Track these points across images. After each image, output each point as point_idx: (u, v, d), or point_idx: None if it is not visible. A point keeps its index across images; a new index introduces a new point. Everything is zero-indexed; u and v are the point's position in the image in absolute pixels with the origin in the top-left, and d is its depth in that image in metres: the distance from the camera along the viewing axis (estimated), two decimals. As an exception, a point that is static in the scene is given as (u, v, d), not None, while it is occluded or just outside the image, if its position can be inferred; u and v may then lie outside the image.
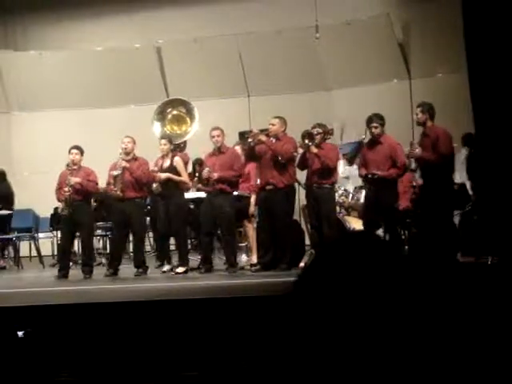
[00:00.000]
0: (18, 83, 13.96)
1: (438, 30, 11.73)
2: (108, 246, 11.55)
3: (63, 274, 9.32)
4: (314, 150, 8.93)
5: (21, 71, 13.89)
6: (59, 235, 11.03)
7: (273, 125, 9.11)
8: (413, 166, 8.40)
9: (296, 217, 10.40)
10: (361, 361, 1.09)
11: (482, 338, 1.48)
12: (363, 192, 9.49)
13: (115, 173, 9.27)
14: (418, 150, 8.29)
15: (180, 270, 9.24)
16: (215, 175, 9.08)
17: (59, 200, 9.52)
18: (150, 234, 11.34)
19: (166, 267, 9.44)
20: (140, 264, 9.38)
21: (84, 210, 9.45)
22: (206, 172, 9.15)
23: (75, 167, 9.43)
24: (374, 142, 8.73)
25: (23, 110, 14.07)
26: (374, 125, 8.66)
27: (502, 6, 8.61)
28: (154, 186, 9.36)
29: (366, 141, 9.14)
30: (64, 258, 9.60)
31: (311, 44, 12.60)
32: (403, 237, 9.67)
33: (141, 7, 13.93)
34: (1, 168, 12.05)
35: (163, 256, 9.82)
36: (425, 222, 8.34)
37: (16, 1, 14.24)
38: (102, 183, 9.70)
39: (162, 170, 9.31)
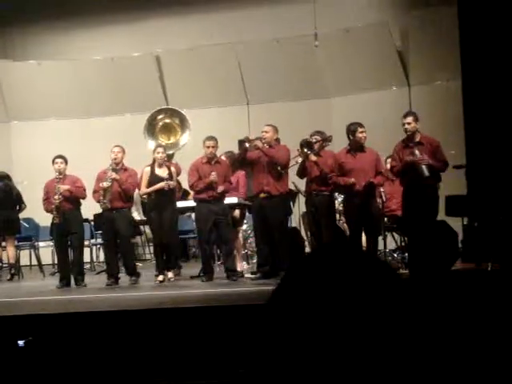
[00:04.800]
0: (18, 93, 13.98)
1: (436, 38, 11.76)
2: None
3: (65, 283, 9.34)
4: (313, 158, 8.95)
5: (20, 81, 13.92)
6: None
7: (266, 132, 9.14)
8: (426, 173, 8.31)
9: (296, 224, 10.42)
10: (343, 370, 1.10)
11: (481, 343, 1.49)
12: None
13: (105, 184, 9.24)
14: (426, 157, 8.27)
15: (169, 275, 9.28)
16: (221, 188, 9.08)
17: (47, 211, 9.55)
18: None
19: (161, 277, 9.36)
20: (132, 271, 9.41)
21: (75, 218, 9.47)
22: (213, 175, 9.09)
23: (61, 176, 9.44)
24: (357, 149, 8.76)
25: (23, 119, 14.08)
26: (363, 129, 8.73)
27: (497, 15, 8.65)
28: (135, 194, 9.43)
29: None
30: (63, 266, 9.60)
31: (310, 52, 12.63)
32: (403, 244, 9.69)
33: (139, 16, 13.96)
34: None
35: (159, 265, 9.75)
36: (417, 229, 8.34)
37: (15, 11, 14.26)
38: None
39: (161, 179, 9.30)
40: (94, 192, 9.41)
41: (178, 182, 9.94)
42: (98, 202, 9.35)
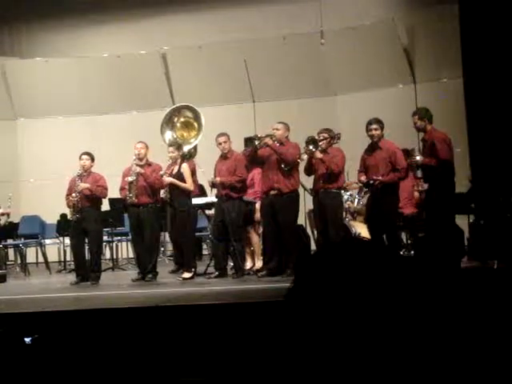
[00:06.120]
0: (25, 90, 14.01)
1: (442, 35, 11.74)
2: (114, 252, 11.62)
3: (80, 279, 9.39)
4: (319, 155, 8.92)
5: (27, 78, 13.94)
6: (66, 241, 11.07)
7: (277, 129, 9.11)
8: (419, 174, 8.39)
9: (302, 222, 10.41)
10: (356, 366, 1.10)
11: (486, 342, 1.49)
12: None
13: (130, 179, 9.32)
14: (418, 158, 8.33)
15: (186, 275, 9.26)
16: (218, 179, 9.14)
17: (68, 206, 9.57)
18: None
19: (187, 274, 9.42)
20: (150, 269, 9.40)
21: (92, 217, 9.48)
22: (209, 179, 9.22)
23: (85, 173, 9.49)
24: (373, 146, 8.74)
25: (29, 116, 14.11)
26: (374, 127, 8.68)
27: (498, 15, 8.65)
28: (162, 192, 9.43)
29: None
30: (79, 263, 9.62)
31: (316, 49, 12.62)
32: (409, 242, 9.69)
33: (146, 14, 13.98)
34: None
35: (178, 261, 9.79)
36: (428, 226, 8.35)
37: (22, 8, 14.29)
38: (109, 189, 9.72)
39: (171, 176, 9.37)
40: (121, 189, 9.50)
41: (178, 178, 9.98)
42: (125, 198, 9.40)
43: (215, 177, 9.31)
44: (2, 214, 11.74)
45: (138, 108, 13.60)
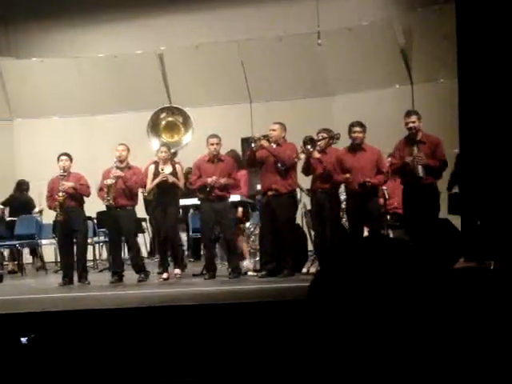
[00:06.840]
0: (20, 90, 13.99)
1: (439, 36, 11.74)
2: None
3: (67, 280, 9.35)
4: (317, 155, 8.93)
5: (23, 78, 13.93)
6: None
7: (273, 130, 9.11)
8: (421, 173, 8.32)
9: (298, 222, 10.42)
10: (375, 366, 1.10)
11: (485, 343, 1.50)
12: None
13: (109, 181, 9.29)
14: (424, 156, 8.31)
15: (177, 271, 9.33)
16: (222, 180, 9.09)
17: (51, 208, 9.59)
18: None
19: (165, 275, 9.42)
20: (140, 269, 9.41)
21: (80, 217, 9.51)
22: (211, 180, 9.12)
23: (65, 174, 9.48)
24: (356, 148, 8.78)
25: (25, 117, 14.10)
26: (358, 129, 8.74)
27: (495, 16, 8.67)
28: (140, 190, 9.44)
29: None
30: (66, 264, 9.61)
31: (313, 50, 12.62)
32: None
33: (143, 14, 13.96)
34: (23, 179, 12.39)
35: (163, 263, 9.78)
36: (417, 227, 8.34)
37: (18, 8, 14.27)
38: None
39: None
40: (100, 190, 9.48)
41: (186, 179, 9.97)
42: (103, 199, 9.40)
43: (200, 177, 9.24)
44: (37, 212, 11.94)
45: (135, 108, 13.57)
